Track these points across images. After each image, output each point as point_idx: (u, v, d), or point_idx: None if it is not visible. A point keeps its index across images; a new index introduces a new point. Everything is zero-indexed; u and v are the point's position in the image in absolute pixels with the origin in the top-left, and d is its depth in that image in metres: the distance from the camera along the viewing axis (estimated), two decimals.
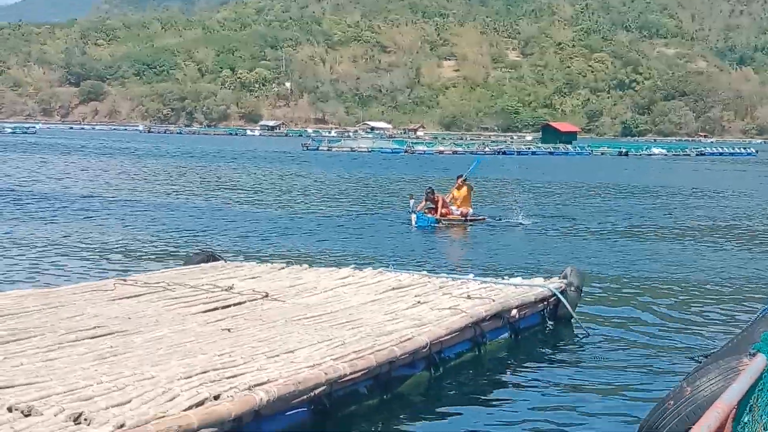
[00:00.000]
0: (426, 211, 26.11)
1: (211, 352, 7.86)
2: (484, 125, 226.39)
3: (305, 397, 7.30)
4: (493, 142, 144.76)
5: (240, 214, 28.34)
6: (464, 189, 27.22)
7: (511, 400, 9.05)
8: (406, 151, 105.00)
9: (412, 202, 26.91)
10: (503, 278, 13.34)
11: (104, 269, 16.70)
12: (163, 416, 6.01)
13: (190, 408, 6.24)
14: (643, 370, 10.20)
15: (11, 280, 15.51)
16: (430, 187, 27.51)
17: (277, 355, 7.88)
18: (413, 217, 25.51)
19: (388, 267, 14.30)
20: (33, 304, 9.96)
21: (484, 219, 27.13)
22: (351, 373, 7.79)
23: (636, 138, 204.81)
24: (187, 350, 7.96)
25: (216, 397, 6.55)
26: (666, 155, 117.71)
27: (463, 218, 26.37)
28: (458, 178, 27.80)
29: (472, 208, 27.25)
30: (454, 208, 26.72)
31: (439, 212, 26.04)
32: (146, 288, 11.30)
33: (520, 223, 26.74)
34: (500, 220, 27.53)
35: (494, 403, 8.97)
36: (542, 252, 20.69)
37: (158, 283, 11.65)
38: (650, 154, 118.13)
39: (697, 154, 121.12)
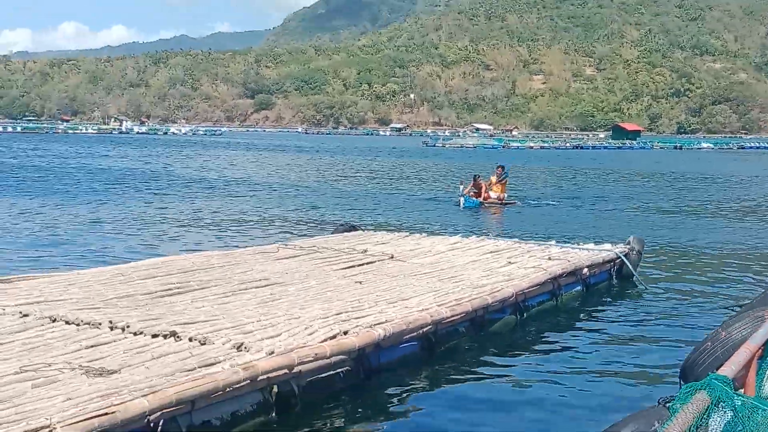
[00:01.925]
0: (472, 194, 24.52)
1: (345, 299, 7.94)
2: (565, 126, 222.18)
3: (415, 334, 7.29)
4: (573, 139, 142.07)
5: (375, 195, 28.55)
6: (502, 179, 25.34)
7: (580, 339, 8.88)
8: (503, 147, 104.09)
9: (461, 187, 25.07)
10: (579, 244, 13.21)
11: (272, 236, 17.01)
12: (304, 346, 6.11)
13: (324, 341, 6.32)
14: (687, 319, 9.93)
15: (202, 243, 16.01)
16: (476, 174, 25.85)
17: (395, 302, 7.91)
18: (461, 199, 24.07)
19: (488, 235, 14.28)
20: (216, 262, 10.21)
21: (515, 203, 25.37)
22: (451, 316, 7.76)
23: (688, 135, 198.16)
24: (326, 297, 8.05)
25: (345, 333, 6.60)
26: (713, 149, 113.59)
27: (500, 201, 24.70)
28: (498, 167, 25.94)
29: (505, 193, 25.31)
30: (492, 192, 24.96)
31: (482, 196, 24.57)
32: (301, 251, 11.47)
33: (548, 204, 25.67)
34: (525, 202, 26.18)
35: (567, 339, 8.82)
36: (611, 225, 20.34)
37: (311, 247, 11.80)
38: (700, 148, 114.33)
39: (738, 148, 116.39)
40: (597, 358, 8.16)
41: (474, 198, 24.45)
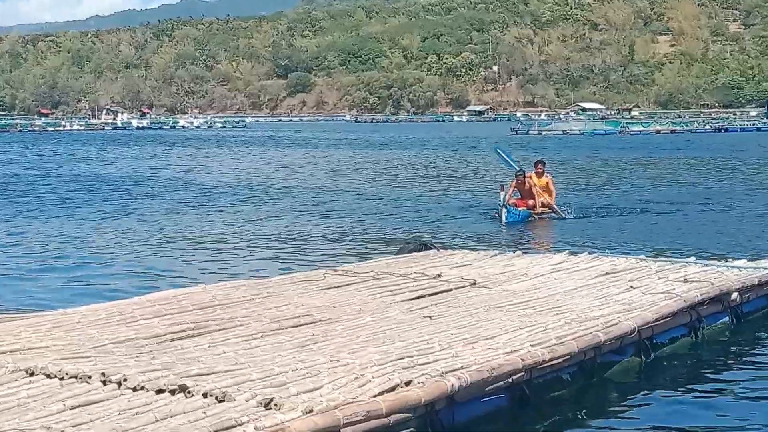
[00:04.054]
0: (515, 202, 23.48)
1: (409, 339, 7.95)
2: (703, 102, 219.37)
3: (502, 383, 7.25)
4: (714, 119, 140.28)
5: (452, 202, 28.52)
6: (544, 178, 24.40)
7: (732, 389, 8.72)
8: (620, 132, 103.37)
9: (502, 194, 23.20)
10: (726, 261, 13.00)
11: (315, 259, 17.09)
12: (353, 401, 6.11)
13: (380, 394, 6.32)
14: None
15: (224, 270, 16.16)
16: (521, 170, 24.61)
17: (475, 342, 7.89)
18: (503, 211, 22.61)
19: (604, 251, 14.18)
20: (243, 295, 10.30)
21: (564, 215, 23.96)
22: (551, 360, 7.71)
23: None
24: (385, 337, 8.08)
25: (408, 383, 6.60)
26: None
27: (550, 209, 23.83)
28: (537, 164, 24.96)
29: (554, 199, 24.30)
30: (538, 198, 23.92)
31: (533, 203, 23.60)
32: (355, 277, 11.51)
33: (677, 208, 25.16)
34: (623, 209, 25.51)
35: (712, 391, 8.66)
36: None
37: (367, 272, 11.83)
38: None
39: None
40: (757, 419, 7.89)
41: (520, 207, 23.44)
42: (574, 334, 8.24)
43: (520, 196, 23.94)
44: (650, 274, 11.59)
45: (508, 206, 22.80)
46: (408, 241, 15.63)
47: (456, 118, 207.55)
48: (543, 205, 23.79)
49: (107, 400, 6.28)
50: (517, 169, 24.78)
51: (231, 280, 12.36)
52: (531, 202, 23.68)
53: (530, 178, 24.07)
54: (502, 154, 26.63)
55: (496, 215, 23.02)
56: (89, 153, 69.57)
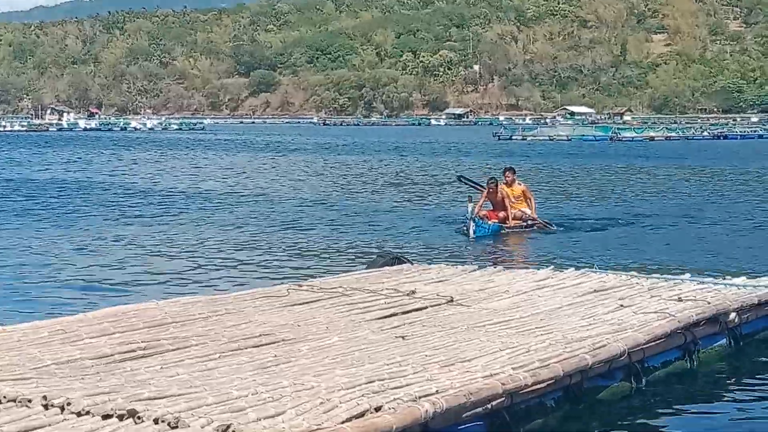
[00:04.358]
0: (485, 214, 23.35)
1: (379, 361, 7.94)
2: (701, 106, 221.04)
3: (480, 409, 7.26)
4: (713, 125, 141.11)
5: (429, 213, 28.59)
6: (517, 187, 24.21)
7: (729, 418, 8.80)
8: (611, 139, 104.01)
9: (470, 206, 23.06)
10: (724, 278, 13.08)
11: (280, 274, 17.07)
12: (318, 428, 6.11)
13: (348, 420, 6.31)
14: None
15: (179, 284, 16.12)
16: (492, 178, 24.58)
17: (452, 364, 7.88)
18: (471, 225, 22.39)
19: (593, 267, 14.24)
20: (199, 311, 10.25)
21: (549, 226, 23.91)
22: (534, 384, 7.71)
23: None
24: (354, 359, 8.07)
25: (377, 409, 6.58)
26: None
27: (524, 222, 23.72)
28: (506, 171, 24.79)
29: (529, 210, 24.09)
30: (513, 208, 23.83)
31: (504, 215, 23.48)
32: (321, 293, 11.47)
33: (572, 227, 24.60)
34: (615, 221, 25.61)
35: (708, 420, 8.74)
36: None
37: (334, 288, 11.79)
38: None
39: None
40: None
41: (491, 219, 23.34)
42: (559, 357, 8.23)
43: (491, 208, 23.87)
44: (642, 292, 11.62)
45: (476, 219, 22.67)
46: (379, 254, 15.61)
47: (433, 122, 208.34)
48: (516, 217, 23.70)
49: (49, 425, 6.24)
50: (488, 179, 24.70)
51: (186, 295, 12.33)
52: (502, 214, 23.60)
53: (501, 185, 24.02)
54: (467, 181, 25.97)
55: (464, 229, 22.88)
56: (31, 156, 69.24)
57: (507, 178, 24.35)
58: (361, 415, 6.46)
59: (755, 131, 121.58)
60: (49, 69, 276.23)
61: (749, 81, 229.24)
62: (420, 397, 6.85)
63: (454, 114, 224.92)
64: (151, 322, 9.57)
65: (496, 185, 23.88)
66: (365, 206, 31.15)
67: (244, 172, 51.28)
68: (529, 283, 12.41)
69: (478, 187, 25.02)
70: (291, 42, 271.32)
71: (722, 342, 10.92)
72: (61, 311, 12.28)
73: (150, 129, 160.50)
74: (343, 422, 6.29)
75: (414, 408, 6.67)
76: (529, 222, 23.82)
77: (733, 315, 10.97)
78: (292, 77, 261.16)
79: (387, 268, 13.89)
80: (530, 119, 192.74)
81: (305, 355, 8.31)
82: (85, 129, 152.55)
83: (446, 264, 14.78)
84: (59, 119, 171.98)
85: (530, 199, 24.32)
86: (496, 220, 23.39)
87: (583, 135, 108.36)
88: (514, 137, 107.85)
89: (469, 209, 22.92)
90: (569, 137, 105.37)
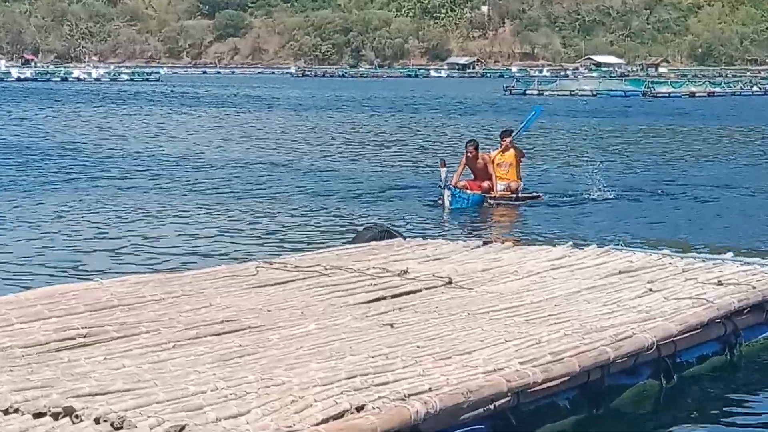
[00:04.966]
0: (465, 184, 23.23)
1: (363, 353, 7.95)
2: (751, 56, 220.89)
3: (481, 410, 7.29)
4: (765, 78, 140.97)
5: (424, 180, 28.50)
6: (511, 152, 23.97)
7: None
8: (644, 94, 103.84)
9: (443, 171, 22.72)
10: None
11: (247, 249, 17.12)
12: (289, 430, 6.14)
13: (324, 421, 6.33)
14: None
15: (128, 262, 16.14)
16: (472, 140, 24.72)
17: (448, 357, 7.89)
18: (446, 193, 22.28)
19: (618, 244, 14.25)
20: (150, 293, 10.24)
21: (540, 196, 24.38)
22: (544, 381, 7.71)
23: None
24: (333, 350, 8.08)
25: (359, 409, 6.59)
26: None
27: (513, 195, 23.53)
28: (503, 135, 24.62)
29: (521, 181, 24.13)
30: (499, 181, 23.59)
31: (488, 185, 23.23)
32: (296, 272, 11.45)
33: (595, 198, 24.62)
34: (566, 196, 25.10)
35: (750, 424, 8.80)
36: None
37: (313, 266, 11.76)
38: None
39: None
40: None
41: (469, 190, 23.14)
42: (575, 350, 8.23)
43: (472, 177, 23.68)
44: (675, 274, 11.64)
45: (452, 188, 22.47)
46: (366, 226, 15.67)
47: (433, 73, 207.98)
48: (512, 189, 23.55)
49: None
50: (466, 141, 24.68)
51: (135, 273, 12.34)
52: (486, 184, 23.28)
53: (497, 152, 23.93)
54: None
55: (439, 201, 22.80)
56: None
57: (504, 143, 24.13)
58: (340, 415, 6.47)
59: None
60: None
61: None
62: (410, 396, 6.85)
63: (457, 64, 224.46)
64: (94, 305, 9.58)
65: (476, 148, 23.76)
66: (350, 172, 31.13)
67: (204, 132, 51.14)
68: (542, 262, 12.43)
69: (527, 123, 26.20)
70: None
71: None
72: None
73: (96, 79, 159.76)
74: (318, 424, 6.29)
75: (402, 408, 6.66)
76: (519, 195, 23.65)
77: None
78: (265, 19, 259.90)
79: (374, 243, 13.89)
80: (548, 71, 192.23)
81: (275, 345, 8.32)
82: (19, 79, 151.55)
83: (444, 239, 14.81)
84: None
85: (517, 164, 24.04)
86: (478, 191, 23.15)
87: (611, 90, 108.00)
88: (528, 92, 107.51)
89: (443, 175, 22.63)
90: (594, 92, 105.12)
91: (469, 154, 23.62)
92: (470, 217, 21.74)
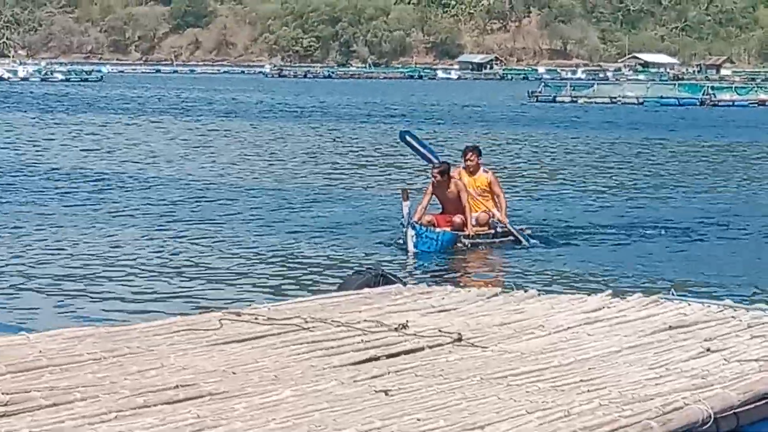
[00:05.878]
0: (432, 218, 22.73)
1: (351, 427, 7.97)
2: None
3: None
4: None
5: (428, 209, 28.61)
6: (482, 177, 23.49)
7: None
8: (702, 103, 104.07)
9: (406, 205, 22.07)
10: None
11: (208, 295, 17.21)
12: None
13: None
14: None
15: (65, 309, 16.16)
16: (443, 162, 23.73)
17: None
18: (410, 233, 21.77)
19: (668, 293, 14.28)
20: (88, 350, 10.26)
21: (522, 240, 23.18)
22: None
23: None
24: (314, 422, 8.10)
25: None
26: None
27: (491, 230, 23.07)
28: (466, 153, 23.96)
29: (497, 210, 23.33)
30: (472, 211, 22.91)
31: (461, 220, 22.60)
32: (269, 326, 11.48)
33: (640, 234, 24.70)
34: (602, 231, 25.26)
35: None
36: None
37: (290, 318, 11.79)
38: None
39: None
40: None
41: (438, 227, 22.57)
42: (612, 424, 8.23)
43: (441, 210, 23.21)
44: (739, 331, 11.67)
45: (416, 226, 21.91)
46: (356, 270, 15.70)
47: (441, 74, 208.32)
48: (480, 222, 22.98)
49: None
50: (437, 161, 23.86)
51: (70, 326, 12.33)
52: (458, 219, 22.72)
53: (458, 176, 23.09)
54: (413, 142, 25.32)
55: (400, 240, 22.43)
56: None
57: (468, 161, 23.57)
58: None
59: None
60: None
61: None
62: None
63: (471, 63, 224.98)
64: (18, 365, 9.61)
65: (448, 173, 22.86)
66: (337, 199, 31.23)
67: (157, 146, 51.24)
68: (574, 314, 12.46)
69: (428, 157, 24.57)
70: None
71: None
72: None
73: (23, 79, 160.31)
74: None
75: None
76: (499, 229, 23.10)
77: None
78: (234, 5, 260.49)
79: (367, 290, 13.93)
80: (583, 73, 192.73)
81: (241, 416, 8.33)
82: None
83: (453, 285, 14.83)
84: None
85: (499, 196, 23.48)
86: (449, 228, 22.58)
87: (661, 97, 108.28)
88: (559, 99, 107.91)
89: (405, 210, 22.02)
90: (641, 99, 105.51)
91: (436, 179, 22.82)
92: (486, 258, 21.73)
